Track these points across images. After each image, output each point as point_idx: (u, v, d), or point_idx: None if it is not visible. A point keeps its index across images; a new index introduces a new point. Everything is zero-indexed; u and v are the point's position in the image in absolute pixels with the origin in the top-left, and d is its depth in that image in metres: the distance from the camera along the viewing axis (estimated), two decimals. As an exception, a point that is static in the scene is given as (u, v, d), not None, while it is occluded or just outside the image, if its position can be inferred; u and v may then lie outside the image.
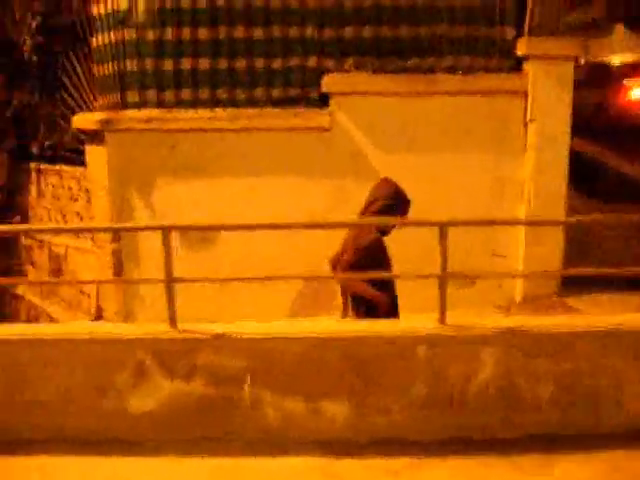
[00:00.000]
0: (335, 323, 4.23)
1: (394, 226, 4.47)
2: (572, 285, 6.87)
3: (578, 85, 16.54)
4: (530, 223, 6.35)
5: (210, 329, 3.81)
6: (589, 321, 3.92)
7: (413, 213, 6.49)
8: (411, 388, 3.76)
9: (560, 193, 6.59)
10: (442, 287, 3.81)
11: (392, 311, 4.36)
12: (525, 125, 6.53)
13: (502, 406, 3.80)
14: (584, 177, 12.41)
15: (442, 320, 3.82)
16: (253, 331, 3.79)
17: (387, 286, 4.35)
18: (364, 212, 4.53)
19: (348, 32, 6.55)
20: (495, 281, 6.78)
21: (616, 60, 16.92)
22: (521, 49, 6.47)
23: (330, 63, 6.55)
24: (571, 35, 6.68)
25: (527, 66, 6.50)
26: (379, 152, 6.58)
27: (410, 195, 6.53)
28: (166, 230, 3.78)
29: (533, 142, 6.51)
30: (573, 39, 6.58)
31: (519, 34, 6.63)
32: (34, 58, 8.38)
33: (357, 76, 6.51)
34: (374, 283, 4.25)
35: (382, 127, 6.55)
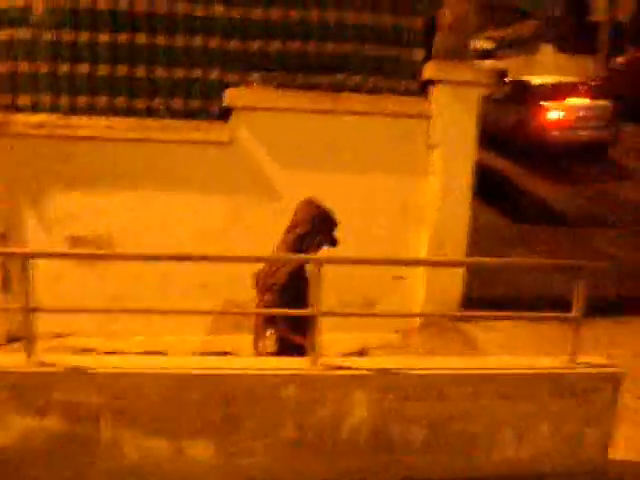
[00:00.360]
0: (201, 359, 4.04)
1: (316, 249, 4.36)
2: (475, 309, 6.87)
3: (501, 102, 16.83)
4: (417, 263, 6.25)
5: (67, 362, 3.58)
6: (463, 364, 3.85)
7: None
8: (279, 429, 3.61)
9: (464, 217, 6.56)
10: (315, 327, 3.66)
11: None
12: (429, 149, 6.47)
13: (374, 449, 3.69)
14: (498, 196, 12.58)
15: (314, 360, 3.68)
16: (113, 366, 3.58)
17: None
18: (285, 234, 4.42)
19: (254, 45, 6.37)
20: (396, 305, 6.71)
21: (537, 80, 17.24)
22: (427, 73, 6.41)
23: (234, 76, 6.37)
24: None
25: (433, 90, 6.44)
26: (280, 169, 6.43)
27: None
28: (27, 258, 3.54)
29: (437, 166, 6.45)
30: (479, 65, 6.56)
31: (428, 57, 6.57)
32: None
33: (261, 91, 6.34)
34: (293, 319, 4.05)
35: (284, 144, 6.40)
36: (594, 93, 16.87)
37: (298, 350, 3.99)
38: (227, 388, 3.58)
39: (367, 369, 3.66)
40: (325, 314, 3.68)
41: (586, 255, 9.10)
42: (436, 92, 6.40)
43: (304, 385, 3.60)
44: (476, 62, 7.01)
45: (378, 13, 6.46)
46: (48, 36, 6.30)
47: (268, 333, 4.23)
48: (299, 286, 4.11)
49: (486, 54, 38.01)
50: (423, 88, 6.52)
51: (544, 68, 34.53)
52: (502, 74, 6.79)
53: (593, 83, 20.70)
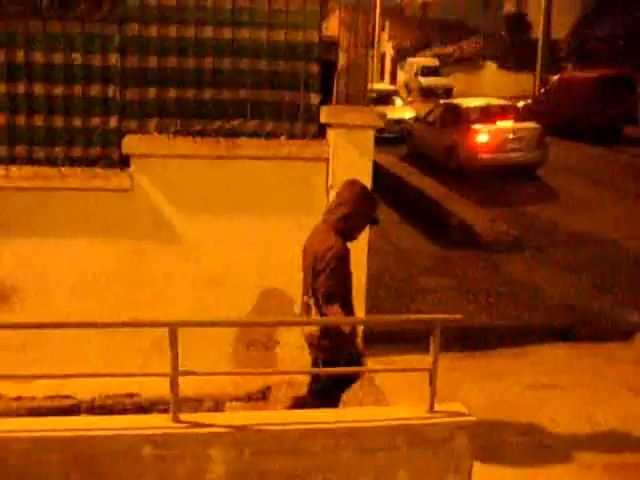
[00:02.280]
0: (62, 420, 4.11)
1: (360, 228, 4.98)
2: (379, 343, 7.05)
3: (434, 125, 17.15)
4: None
5: None
6: (321, 417, 4.00)
7: (208, 277, 6.59)
8: (139, 489, 3.72)
9: (360, 258, 6.71)
10: (174, 385, 3.78)
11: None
12: (327, 191, 6.64)
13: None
14: (425, 220, 12.86)
15: (175, 418, 3.80)
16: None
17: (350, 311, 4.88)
18: (328, 214, 4.99)
19: (151, 93, 6.49)
20: (299, 342, 6.84)
21: (468, 103, 17.62)
22: (322, 117, 6.59)
23: (132, 124, 6.48)
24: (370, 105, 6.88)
25: (329, 133, 6.62)
26: (180, 215, 6.55)
27: (210, 259, 6.62)
28: None
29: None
30: (374, 110, 6.77)
31: (326, 101, 6.76)
32: None
33: (158, 138, 6.46)
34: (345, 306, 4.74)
35: (184, 190, 6.52)
36: (524, 114, 17.33)
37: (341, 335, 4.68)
38: (88, 450, 3.68)
39: (223, 425, 3.78)
40: (184, 373, 3.80)
41: (495, 281, 9.40)
42: (331, 135, 6.59)
43: (162, 443, 3.71)
44: (372, 107, 7.19)
45: (274, 59, 6.63)
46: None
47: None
48: (346, 267, 4.79)
49: (431, 71, 38.76)
50: (321, 132, 6.70)
51: (486, 85, 35.31)
52: (384, 116, 6.98)
53: (523, 104, 21.26)
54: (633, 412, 6.27)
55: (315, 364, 5.14)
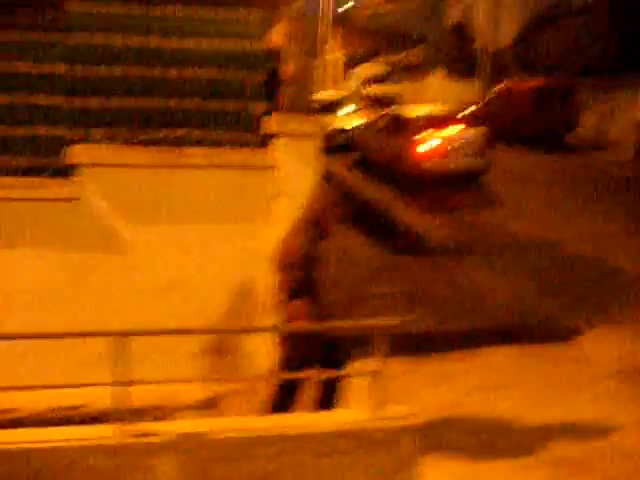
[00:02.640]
0: (4, 433, 4.07)
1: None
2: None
3: (382, 133, 17.32)
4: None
5: None
6: (270, 423, 4.04)
7: (157, 286, 6.58)
8: (87, 499, 3.71)
9: (316, 263, 6.78)
10: (120, 395, 3.79)
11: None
12: (272, 200, 6.69)
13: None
14: (374, 227, 13.00)
15: (122, 428, 3.80)
16: None
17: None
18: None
19: (97, 102, 6.47)
20: (248, 350, 6.87)
21: (413, 112, 17.82)
22: (268, 126, 6.64)
23: (79, 133, 6.44)
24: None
25: (274, 142, 6.68)
26: (128, 224, 6.52)
27: (158, 268, 6.61)
28: None
29: (279, 216, 6.67)
30: (318, 118, 6.87)
31: (271, 110, 6.82)
32: None
33: (104, 147, 6.44)
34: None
35: (131, 199, 6.49)
36: (468, 122, 17.60)
37: None
38: (35, 462, 3.66)
39: (170, 434, 3.80)
40: (131, 383, 3.81)
41: (443, 285, 9.56)
42: (276, 144, 6.64)
43: (110, 454, 3.72)
44: (318, 116, 7.30)
45: (219, 68, 6.67)
46: None
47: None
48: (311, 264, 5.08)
49: (379, 79, 39.11)
50: (265, 141, 6.75)
51: (433, 92, 35.79)
52: (328, 125, 7.08)
53: (468, 112, 21.64)
54: (577, 410, 6.45)
55: None
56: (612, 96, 21.13)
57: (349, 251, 11.56)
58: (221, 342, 6.88)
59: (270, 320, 6.72)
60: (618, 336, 8.21)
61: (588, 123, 22.12)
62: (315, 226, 5.11)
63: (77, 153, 6.41)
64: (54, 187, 6.39)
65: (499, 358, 7.68)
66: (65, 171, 6.46)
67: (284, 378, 5.11)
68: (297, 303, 4.86)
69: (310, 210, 5.14)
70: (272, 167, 6.64)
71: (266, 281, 6.84)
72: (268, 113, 6.75)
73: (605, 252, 11.21)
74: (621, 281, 9.98)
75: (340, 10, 48.57)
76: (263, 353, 6.86)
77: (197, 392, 6.49)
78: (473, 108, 23.59)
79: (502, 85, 23.55)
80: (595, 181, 16.74)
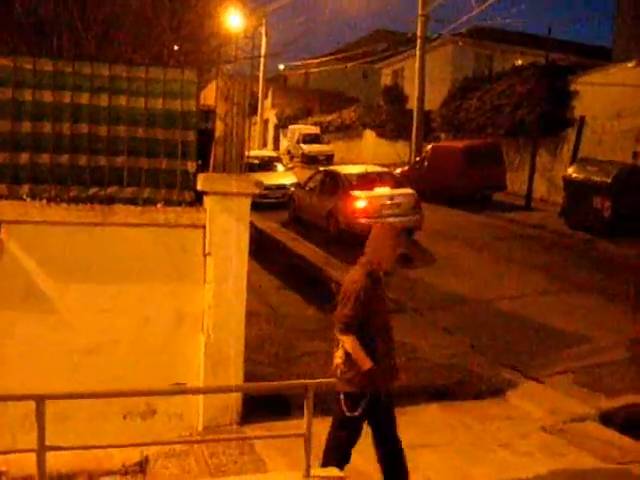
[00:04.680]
0: None
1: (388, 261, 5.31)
2: (258, 411, 7.03)
3: (315, 191, 17.49)
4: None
5: None
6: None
7: (82, 346, 6.42)
8: None
9: (239, 324, 6.74)
10: (41, 461, 3.64)
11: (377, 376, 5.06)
12: (205, 258, 6.66)
13: None
14: (308, 285, 13.00)
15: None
16: None
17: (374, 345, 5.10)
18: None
19: (24, 158, 6.39)
20: (177, 411, 6.74)
21: (347, 170, 18.11)
22: (201, 185, 6.65)
23: (3, 189, 6.32)
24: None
25: (206, 200, 6.68)
26: (54, 282, 6.40)
27: (85, 328, 6.47)
28: None
29: (211, 275, 6.65)
30: (249, 177, 6.92)
31: (204, 168, 6.84)
32: None
33: (30, 204, 6.33)
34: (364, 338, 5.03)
35: (57, 257, 6.39)
36: (400, 181, 17.96)
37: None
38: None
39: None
40: (52, 448, 3.68)
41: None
42: (208, 203, 6.65)
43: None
44: (250, 174, 7.35)
45: (151, 127, 6.68)
46: None
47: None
48: (369, 304, 5.07)
49: (313, 139, 39.72)
50: (199, 199, 6.74)
51: (366, 152, 36.52)
52: (260, 183, 7.12)
53: (399, 171, 22.14)
54: (505, 467, 6.48)
55: (337, 398, 5.26)
56: (536, 156, 21.87)
57: (279, 309, 11.54)
58: (151, 404, 6.73)
59: (203, 381, 6.64)
60: (546, 391, 8.34)
61: (515, 183, 22.86)
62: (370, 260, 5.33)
63: (3, 209, 6.29)
64: (-23, 244, 6.24)
65: (428, 415, 7.68)
66: (-11, 228, 6.32)
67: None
68: (346, 339, 5.18)
69: (365, 248, 5.41)
70: (204, 225, 6.63)
71: (197, 341, 6.77)
72: (200, 171, 6.77)
73: (531, 309, 11.46)
74: (548, 337, 10.18)
75: (273, 70, 49.45)
76: (194, 414, 6.76)
77: (123, 456, 6.30)
78: (405, 168, 24.13)
79: (431, 146, 24.20)
80: (521, 240, 17.22)
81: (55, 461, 3.67)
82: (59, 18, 6.58)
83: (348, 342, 5.08)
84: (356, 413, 5.11)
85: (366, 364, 5.05)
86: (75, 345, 6.43)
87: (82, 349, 6.43)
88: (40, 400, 3.57)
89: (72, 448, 3.76)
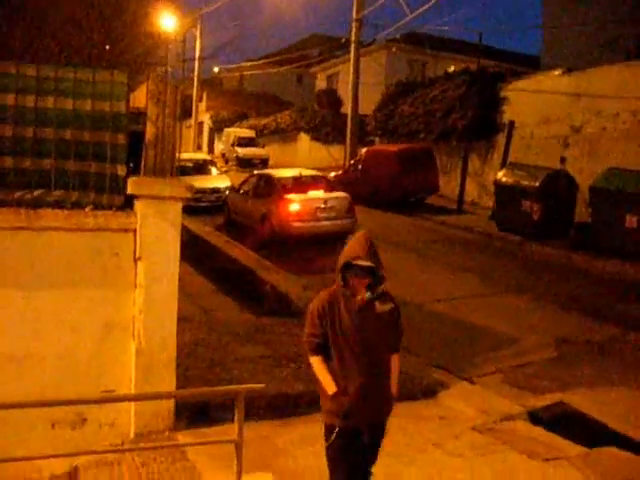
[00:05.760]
0: None
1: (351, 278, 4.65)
2: (190, 417, 6.96)
3: (249, 194, 17.43)
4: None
5: None
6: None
7: (6, 354, 6.23)
8: None
9: (170, 330, 6.65)
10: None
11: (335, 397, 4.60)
12: (135, 262, 6.55)
13: None
14: (240, 289, 12.94)
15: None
16: None
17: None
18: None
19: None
20: (108, 419, 6.60)
21: (280, 173, 18.11)
22: (131, 188, 6.54)
23: None
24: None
25: (137, 204, 6.58)
26: (-22, 288, 6.20)
27: (8, 335, 6.28)
28: None
29: (142, 279, 6.54)
30: (181, 181, 6.85)
31: (134, 172, 6.73)
32: None
33: (-47, 208, 6.13)
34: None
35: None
36: (334, 185, 18.06)
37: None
38: None
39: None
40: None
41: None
42: (138, 206, 6.55)
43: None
44: (183, 177, 7.26)
45: (80, 129, 6.54)
46: None
47: None
48: (329, 321, 4.67)
49: (248, 142, 39.61)
50: (129, 203, 6.63)
51: (301, 155, 36.60)
52: (191, 187, 7.04)
53: (333, 175, 22.26)
54: (438, 467, 6.56)
55: None
56: (467, 160, 22.29)
57: (213, 313, 11.44)
58: (81, 413, 6.58)
59: (134, 388, 6.53)
60: (477, 391, 8.50)
61: (447, 186, 23.25)
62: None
63: None
64: None
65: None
66: None
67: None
68: (310, 359, 4.91)
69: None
70: (135, 230, 6.52)
71: (128, 347, 6.65)
72: (130, 175, 6.66)
73: (463, 311, 11.66)
74: (479, 338, 10.37)
75: (208, 73, 49.12)
76: (125, 422, 6.64)
77: (51, 467, 6.15)
78: (339, 172, 24.27)
79: (365, 150, 24.41)
80: (453, 242, 17.52)
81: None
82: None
83: (312, 363, 4.81)
84: (326, 443, 4.76)
85: (329, 388, 4.67)
86: (1, 353, 6.24)
87: (5, 357, 6.24)
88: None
89: (3, 460, 3.62)
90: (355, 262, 4.56)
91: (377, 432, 4.87)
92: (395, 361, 4.94)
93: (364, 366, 4.64)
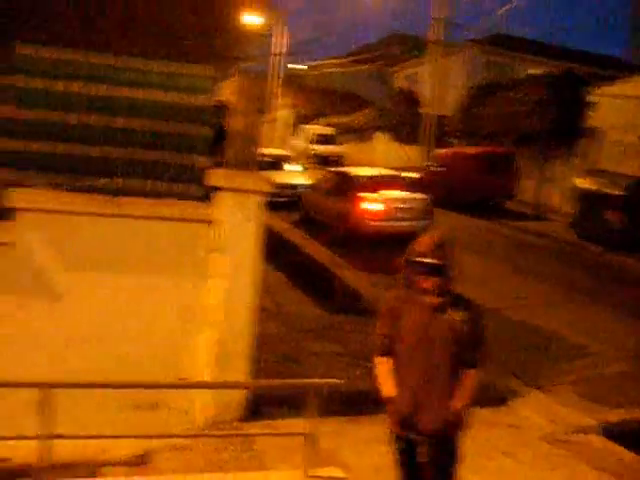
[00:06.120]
0: None
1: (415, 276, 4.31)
2: (263, 409, 7.01)
3: (326, 191, 17.45)
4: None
5: None
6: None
7: (89, 335, 6.42)
8: None
9: (246, 321, 6.73)
10: (45, 450, 3.64)
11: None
12: (214, 253, 6.65)
13: None
14: (315, 286, 12.99)
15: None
16: None
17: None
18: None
19: (38, 146, 6.40)
20: (179, 405, 6.73)
21: (358, 172, 18.06)
22: (212, 180, 6.64)
23: (12, 176, 6.34)
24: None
25: (217, 196, 6.67)
26: (62, 271, 6.40)
27: (92, 317, 6.46)
28: None
29: (220, 270, 6.63)
30: (262, 175, 6.92)
31: (215, 164, 6.84)
32: None
33: (44, 193, 6.35)
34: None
35: (68, 246, 6.41)
36: (412, 186, 17.90)
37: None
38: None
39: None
40: (57, 437, 3.67)
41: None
42: (219, 198, 6.64)
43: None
44: (261, 172, 7.34)
45: (166, 120, 6.69)
46: None
47: None
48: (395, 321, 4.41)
49: (326, 139, 39.68)
50: (207, 194, 6.74)
51: (378, 155, 36.47)
52: (271, 181, 7.11)
53: (411, 176, 22.10)
54: (507, 476, 6.46)
55: None
56: (548, 165, 21.83)
57: (288, 309, 11.52)
58: (155, 397, 6.72)
59: (208, 376, 6.63)
60: (549, 401, 8.32)
61: (527, 191, 22.80)
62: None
63: (16, 197, 6.30)
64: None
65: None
66: (2, 214, 6.34)
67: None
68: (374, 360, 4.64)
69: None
70: (212, 221, 6.63)
71: (204, 336, 6.76)
72: (212, 167, 6.77)
73: (538, 319, 11.42)
74: (554, 348, 10.14)
75: (287, 69, 49.46)
76: (197, 409, 6.75)
77: (128, 447, 6.29)
78: (417, 173, 24.11)
79: (444, 151, 24.16)
80: (530, 249, 17.17)
81: (59, 449, 3.66)
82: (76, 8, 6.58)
83: (375, 364, 4.58)
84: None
85: (384, 392, 4.49)
86: (80, 335, 6.43)
87: (86, 339, 6.43)
88: (46, 388, 3.57)
89: (77, 437, 3.75)
90: (418, 259, 4.28)
91: (439, 449, 4.47)
92: (469, 378, 4.54)
93: (422, 374, 4.35)
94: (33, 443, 4.06)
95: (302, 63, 49.72)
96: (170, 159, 6.68)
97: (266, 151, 25.15)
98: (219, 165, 6.83)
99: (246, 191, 6.63)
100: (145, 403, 6.67)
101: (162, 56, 6.70)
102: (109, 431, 6.36)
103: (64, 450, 5.03)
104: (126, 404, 6.61)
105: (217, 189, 6.65)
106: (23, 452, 5.83)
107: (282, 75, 45.56)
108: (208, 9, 7.79)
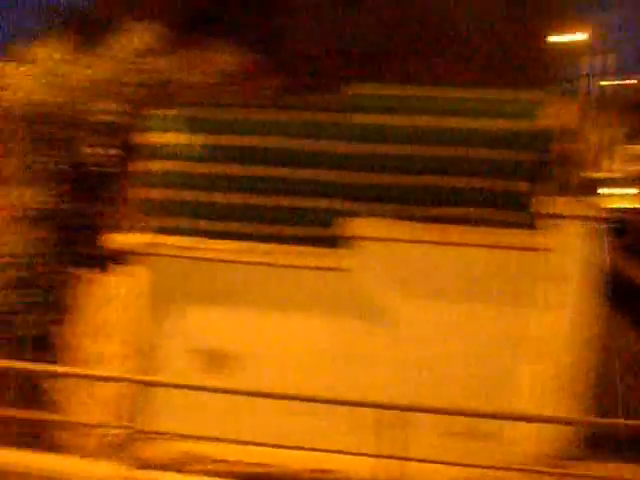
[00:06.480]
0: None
1: None
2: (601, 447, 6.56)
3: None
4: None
5: None
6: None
7: (419, 360, 6.52)
8: None
9: (582, 355, 6.39)
10: (385, 471, 3.77)
11: None
12: (547, 282, 6.44)
13: None
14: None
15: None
16: None
17: None
18: None
19: (370, 178, 6.78)
20: (503, 436, 6.55)
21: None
22: (544, 207, 6.45)
23: (349, 207, 6.76)
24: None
25: (550, 224, 6.46)
26: (396, 297, 6.65)
27: (421, 343, 6.56)
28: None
29: (550, 301, 6.40)
30: (594, 202, 6.60)
31: (537, 190, 6.67)
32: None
33: (381, 222, 6.67)
34: None
35: (400, 273, 6.64)
36: None
37: None
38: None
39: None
40: (389, 457, 3.78)
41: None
42: (558, 226, 6.43)
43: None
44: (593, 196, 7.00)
45: (491, 147, 6.68)
46: (191, 168, 7.08)
47: None
48: None
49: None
50: (532, 221, 6.57)
51: None
52: (604, 208, 6.72)
53: None
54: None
55: None
56: None
57: (610, 340, 10.74)
58: (475, 426, 6.63)
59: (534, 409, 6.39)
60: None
61: None
62: None
63: (353, 226, 6.70)
64: (326, 256, 6.71)
65: None
66: (330, 242, 6.78)
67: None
68: None
69: None
70: (542, 249, 6.43)
71: (528, 368, 6.56)
72: (536, 193, 6.60)
73: None
74: None
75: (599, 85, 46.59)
76: (530, 441, 6.50)
77: (452, 474, 6.28)
78: None
79: None
80: None
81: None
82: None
83: None
84: None
85: None
86: (410, 359, 6.58)
87: (417, 364, 6.55)
88: (378, 408, 3.67)
89: (405, 459, 3.80)
90: None
91: None
92: None
93: None
94: (362, 460, 4.17)
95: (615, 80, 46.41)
96: (494, 186, 6.63)
97: (591, 174, 23.89)
98: (544, 191, 6.63)
99: (579, 218, 6.36)
100: (466, 430, 6.58)
101: (492, 85, 6.73)
102: (431, 456, 6.35)
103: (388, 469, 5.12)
104: (444, 429, 6.58)
105: (549, 216, 6.45)
106: (350, 467, 6.10)
107: (594, 94, 43.03)
108: (530, 34, 7.68)
